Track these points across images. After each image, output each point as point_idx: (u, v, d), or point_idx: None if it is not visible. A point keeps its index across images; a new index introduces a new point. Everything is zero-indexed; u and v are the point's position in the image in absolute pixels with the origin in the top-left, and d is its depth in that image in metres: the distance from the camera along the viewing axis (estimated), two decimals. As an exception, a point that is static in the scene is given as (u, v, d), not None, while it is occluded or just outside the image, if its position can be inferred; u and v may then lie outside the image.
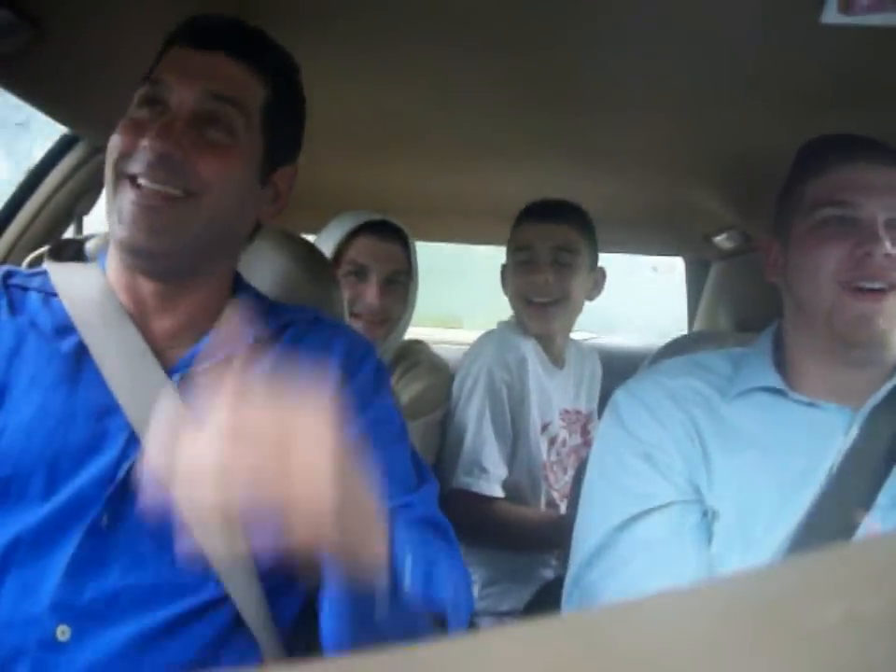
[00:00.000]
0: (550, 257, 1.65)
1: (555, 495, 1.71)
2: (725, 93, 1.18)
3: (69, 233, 1.49)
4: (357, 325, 1.48)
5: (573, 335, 1.86)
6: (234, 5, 0.95)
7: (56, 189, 1.42)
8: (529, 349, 1.68)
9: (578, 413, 1.79)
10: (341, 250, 1.54)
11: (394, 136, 1.54)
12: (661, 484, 0.94)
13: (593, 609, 0.19)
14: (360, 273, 1.54)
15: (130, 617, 0.74)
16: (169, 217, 0.81)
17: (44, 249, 1.00)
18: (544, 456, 1.69)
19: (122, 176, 0.81)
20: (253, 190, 0.89)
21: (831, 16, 0.87)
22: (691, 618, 0.19)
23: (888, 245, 0.90)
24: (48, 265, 0.91)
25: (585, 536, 0.98)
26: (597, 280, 1.76)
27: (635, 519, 0.93)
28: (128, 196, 0.80)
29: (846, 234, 0.93)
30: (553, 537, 1.54)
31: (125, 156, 0.81)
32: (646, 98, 1.23)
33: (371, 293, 1.53)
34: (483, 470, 1.60)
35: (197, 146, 0.81)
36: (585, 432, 1.80)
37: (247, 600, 0.79)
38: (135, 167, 0.80)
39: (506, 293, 1.79)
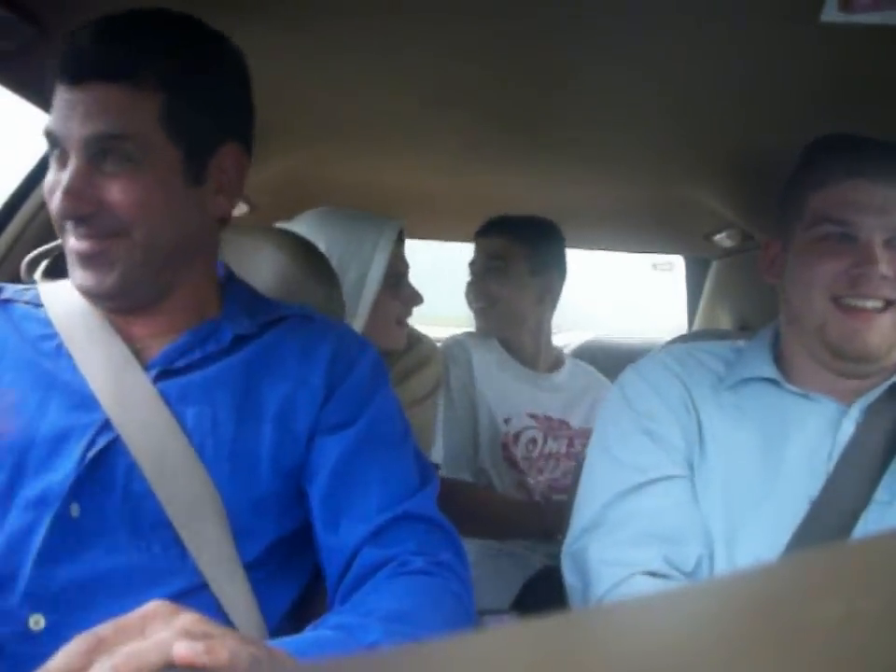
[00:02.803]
0: (483, 266, 1.84)
1: (531, 481, 1.77)
2: (725, 93, 1.18)
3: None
4: (401, 330, 1.52)
5: (575, 340, 1.91)
6: (230, 4, 0.96)
7: (56, 188, 1.42)
8: (487, 348, 1.82)
9: (562, 422, 1.83)
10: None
11: (394, 135, 1.54)
12: (658, 458, 0.97)
13: (592, 609, 0.19)
14: (399, 280, 1.52)
15: (105, 605, 0.74)
16: (108, 259, 0.81)
17: (43, 249, 1.00)
18: (512, 448, 1.76)
19: (61, 228, 0.83)
20: (185, 197, 0.85)
21: (830, 14, 0.87)
22: (689, 616, 0.19)
23: (883, 266, 0.91)
24: (39, 283, 0.93)
25: (582, 508, 1.00)
26: (550, 283, 1.85)
27: (629, 492, 0.96)
28: (70, 244, 0.82)
29: (843, 252, 0.94)
30: (522, 521, 1.64)
31: (54, 210, 0.81)
32: (645, 97, 1.23)
33: (411, 296, 1.54)
34: (436, 443, 1.67)
35: (103, 190, 0.80)
36: (571, 444, 1.85)
37: (229, 590, 0.79)
38: (64, 223, 0.81)
39: None
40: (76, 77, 0.80)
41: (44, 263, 0.99)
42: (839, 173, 0.96)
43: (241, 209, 1.90)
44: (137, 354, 0.86)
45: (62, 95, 0.81)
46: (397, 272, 1.52)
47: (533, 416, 1.80)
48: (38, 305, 0.90)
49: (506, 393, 1.78)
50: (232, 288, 0.96)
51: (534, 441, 1.78)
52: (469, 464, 1.72)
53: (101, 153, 0.80)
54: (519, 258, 1.81)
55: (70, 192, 0.79)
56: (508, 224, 1.83)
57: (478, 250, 1.87)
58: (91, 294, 0.84)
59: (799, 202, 1.00)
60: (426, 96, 1.28)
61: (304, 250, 1.19)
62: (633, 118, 1.34)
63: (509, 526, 1.69)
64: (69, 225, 0.80)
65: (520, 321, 1.86)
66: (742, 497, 0.93)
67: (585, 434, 1.85)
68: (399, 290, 1.53)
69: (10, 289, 0.93)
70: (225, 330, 0.88)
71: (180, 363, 0.86)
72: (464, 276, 1.91)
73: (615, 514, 0.96)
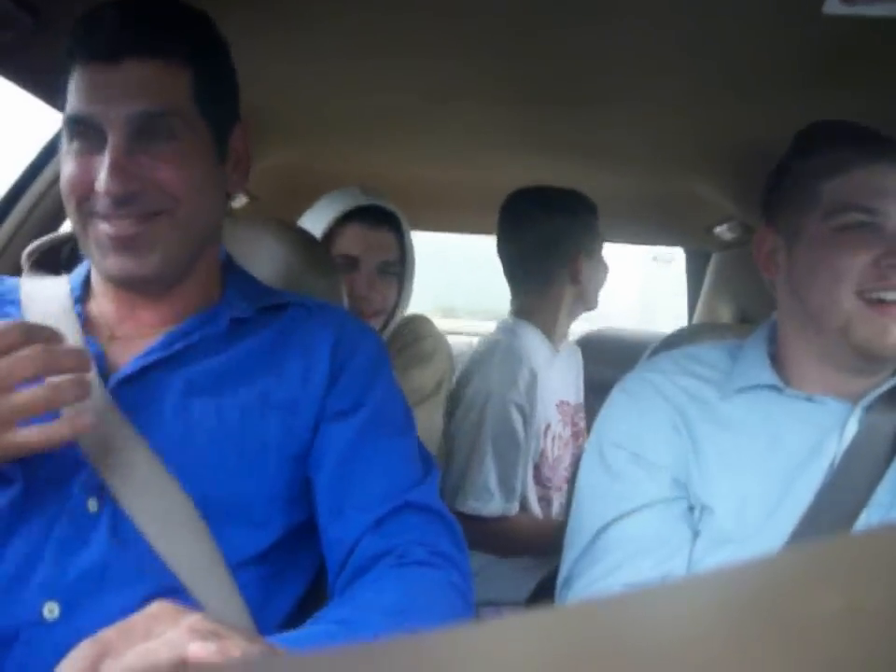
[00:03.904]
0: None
1: (552, 492, 1.72)
2: (726, 85, 1.18)
3: (67, 223, 1.49)
4: None
5: (575, 331, 1.87)
6: (231, 1, 0.95)
7: (56, 179, 1.42)
8: (537, 348, 1.67)
9: (568, 403, 1.77)
10: (328, 238, 1.44)
11: (394, 127, 1.54)
12: (644, 485, 0.95)
13: (592, 601, 0.19)
14: (350, 264, 1.45)
15: (116, 594, 0.75)
16: (152, 236, 0.81)
17: (44, 240, 1.00)
18: (548, 456, 1.69)
19: (88, 216, 0.81)
20: (215, 174, 0.87)
21: (832, 6, 0.87)
22: (690, 609, 0.19)
23: None
24: (23, 277, 0.93)
25: (574, 538, 0.99)
26: None
27: (615, 521, 0.95)
28: (102, 230, 0.80)
29: (869, 242, 0.88)
30: (552, 542, 1.55)
31: (84, 199, 0.80)
32: (646, 90, 1.23)
33: (361, 286, 1.44)
34: (491, 494, 1.58)
35: (149, 168, 0.79)
36: (574, 424, 1.79)
37: (213, 594, 0.78)
38: (100, 208, 0.79)
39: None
40: (108, 56, 0.79)
41: (31, 258, 0.97)
42: (857, 158, 0.90)
43: (241, 200, 1.90)
44: (134, 344, 0.85)
45: (90, 76, 0.80)
46: (342, 253, 1.45)
47: (556, 406, 1.71)
48: (16, 302, 0.89)
49: (548, 390, 1.67)
50: (232, 274, 0.96)
51: (559, 435, 1.72)
52: (519, 490, 1.62)
53: (141, 131, 0.79)
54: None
55: (119, 169, 0.78)
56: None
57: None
58: (129, 278, 0.83)
59: (808, 191, 0.94)
60: (426, 88, 1.28)
61: (304, 241, 1.19)
62: (634, 110, 1.33)
63: (543, 548, 1.61)
64: (106, 208, 0.79)
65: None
66: (753, 504, 0.91)
67: (580, 409, 1.81)
68: (347, 276, 1.42)
69: (3, 281, 0.93)
70: (223, 315, 0.88)
71: (178, 346, 0.85)
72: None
73: (601, 544, 0.95)
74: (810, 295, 0.93)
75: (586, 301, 1.74)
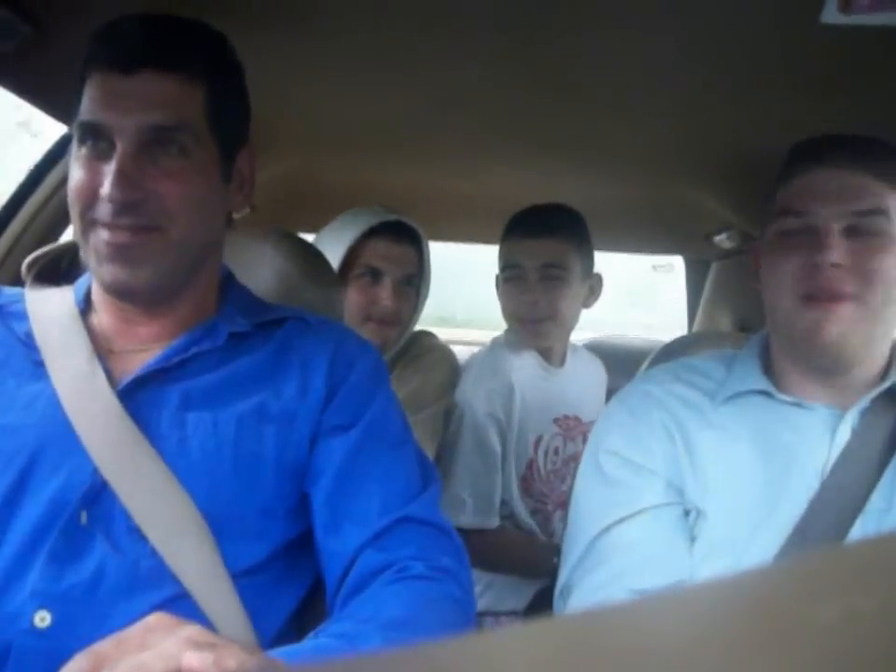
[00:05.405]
0: (537, 275, 1.58)
1: (549, 507, 1.69)
2: (725, 93, 1.18)
3: (69, 232, 1.50)
4: (369, 328, 1.48)
5: (577, 335, 1.83)
6: (233, 7, 0.96)
7: (56, 188, 1.42)
8: (523, 363, 1.64)
9: (577, 419, 1.72)
10: (353, 252, 1.49)
11: (394, 137, 1.54)
12: (639, 491, 0.96)
13: (591, 610, 0.19)
14: (374, 277, 1.51)
15: (109, 602, 0.75)
16: (145, 250, 0.81)
17: (43, 251, 1.00)
18: (539, 468, 1.67)
19: (91, 223, 0.81)
20: (218, 193, 0.88)
21: (831, 15, 0.87)
22: (689, 617, 0.19)
23: (835, 254, 0.87)
24: (27, 289, 0.93)
25: (571, 547, 1.00)
26: (593, 287, 1.68)
27: (612, 526, 0.95)
28: (100, 237, 0.81)
29: (802, 244, 0.91)
30: (540, 563, 1.53)
31: (88, 206, 0.81)
32: (646, 98, 1.23)
33: (385, 297, 1.49)
34: (463, 504, 1.56)
35: (154, 180, 0.80)
36: (586, 440, 1.72)
37: (214, 602, 0.78)
38: (101, 215, 0.80)
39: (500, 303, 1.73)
40: (124, 66, 0.80)
41: (34, 269, 0.97)
42: (800, 166, 0.94)
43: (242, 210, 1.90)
44: (131, 358, 0.86)
45: (104, 84, 0.81)
46: (368, 265, 1.50)
47: (556, 421, 1.69)
48: (23, 314, 0.89)
49: (540, 404, 1.64)
50: (231, 289, 0.97)
51: (556, 450, 1.68)
52: (497, 503, 1.59)
53: (150, 143, 0.80)
54: (576, 261, 1.59)
55: (124, 177, 0.78)
56: (560, 221, 1.60)
57: (525, 255, 1.59)
58: (121, 288, 0.83)
59: (770, 202, 0.98)
60: (426, 98, 1.28)
61: (302, 251, 1.19)
62: (633, 118, 1.34)
63: (530, 568, 1.60)
64: (108, 215, 0.80)
65: (571, 328, 1.69)
66: (746, 509, 0.92)
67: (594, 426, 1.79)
68: (368, 286, 1.50)
69: (5, 295, 0.93)
70: (221, 329, 0.88)
71: (175, 360, 0.85)
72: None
73: (598, 551, 0.95)
74: (767, 300, 0.97)
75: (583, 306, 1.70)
